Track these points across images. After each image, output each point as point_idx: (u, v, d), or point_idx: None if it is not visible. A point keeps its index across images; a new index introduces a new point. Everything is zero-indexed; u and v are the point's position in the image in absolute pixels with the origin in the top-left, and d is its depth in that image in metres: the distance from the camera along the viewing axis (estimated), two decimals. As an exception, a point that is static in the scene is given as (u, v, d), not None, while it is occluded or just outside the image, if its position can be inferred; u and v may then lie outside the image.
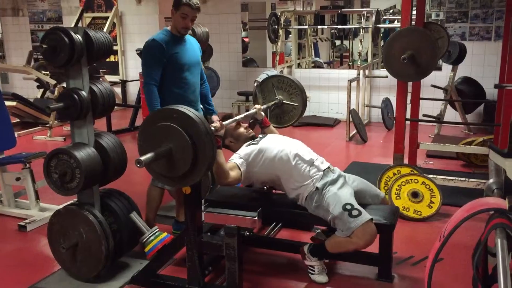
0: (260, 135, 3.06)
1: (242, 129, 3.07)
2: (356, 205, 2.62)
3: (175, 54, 3.19)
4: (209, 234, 2.97)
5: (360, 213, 2.57)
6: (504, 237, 1.43)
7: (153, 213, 3.44)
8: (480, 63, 6.74)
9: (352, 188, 2.83)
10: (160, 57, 3.14)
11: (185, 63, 3.24)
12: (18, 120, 7.35)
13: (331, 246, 2.71)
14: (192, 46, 3.35)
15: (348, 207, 2.59)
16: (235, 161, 2.82)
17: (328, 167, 2.84)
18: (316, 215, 2.74)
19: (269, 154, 2.81)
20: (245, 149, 2.89)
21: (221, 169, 2.67)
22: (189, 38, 3.37)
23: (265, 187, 3.09)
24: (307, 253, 2.82)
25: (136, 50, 6.99)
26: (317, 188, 2.70)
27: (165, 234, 2.96)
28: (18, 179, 3.94)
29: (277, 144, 2.88)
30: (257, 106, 3.30)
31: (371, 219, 2.58)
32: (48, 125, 6.75)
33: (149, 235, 2.90)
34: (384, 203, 3.01)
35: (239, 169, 2.78)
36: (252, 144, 2.93)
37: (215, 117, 3.34)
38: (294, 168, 2.76)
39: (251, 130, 3.11)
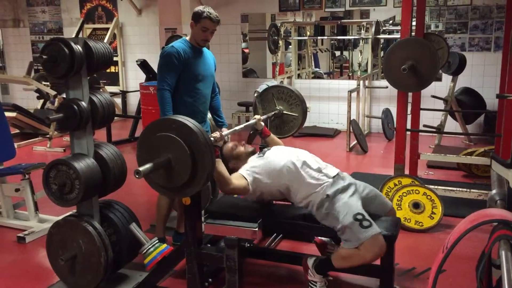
0: (265, 149, 3.02)
1: (240, 148, 3.02)
2: (367, 216, 2.55)
3: (191, 64, 3.20)
4: (209, 245, 2.94)
5: (371, 224, 2.50)
6: (509, 249, 1.41)
7: (162, 222, 3.46)
8: (480, 73, 6.75)
9: (362, 196, 2.77)
10: (176, 64, 3.14)
11: (199, 74, 3.25)
12: (18, 131, 7.35)
13: (336, 260, 2.63)
14: (208, 59, 3.37)
15: (359, 217, 2.52)
16: (240, 172, 2.78)
17: (338, 174, 2.78)
18: (325, 223, 2.66)
19: (276, 165, 2.77)
20: (251, 163, 2.86)
21: (222, 176, 2.65)
22: (206, 51, 3.39)
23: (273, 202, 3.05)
24: (311, 268, 2.73)
25: (137, 61, 7.03)
26: (327, 195, 2.63)
27: (164, 245, 2.94)
28: (17, 190, 3.92)
29: (283, 154, 2.85)
30: (257, 116, 3.30)
31: (380, 232, 2.52)
32: (48, 136, 6.75)
33: (149, 247, 2.87)
34: (391, 214, 2.93)
35: (245, 179, 2.74)
36: (258, 157, 2.89)
37: (224, 130, 3.34)
38: (303, 176, 2.71)
39: (249, 146, 3.08)
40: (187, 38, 3.30)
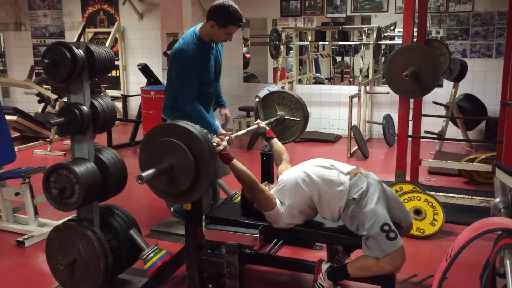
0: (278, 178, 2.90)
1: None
2: (393, 226, 2.43)
3: (201, 68, 3.02)
4: (209, 251, 2.93)
5: (396, 236, 2.40)
6: (513, 258, 1.40)
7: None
8: (482, 80, 6.75)
9: (386, 195, 2.62)
10: (197, 72, 2.99)
11: (210, 79, 3.10)
12: (18, 134, 7.34)
13: (355, 269, 2.53)
14: (217, 53, 3.18)
15: (386, 227, 2.40)
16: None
17: (360, 172, 2.64)
18: (348, 226, 2.55)
19: (291, 181, 2.66)
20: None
21: (246, 176, 2.54)
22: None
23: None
24: (324, 273, 2.64)
25: (138, 65, 7.04)
26: (354, 198, 2.50)
27: (165, 251, 2.92)
28: (17, 194, 3.91)
29: (293, 170, 2.77)
30: (258, 121, 3.28)
31: (402, 245, 2.43)
32: (48, 139, 6.74)
33: (149, 252, 2.86)
34: (409, 228, 2.79)
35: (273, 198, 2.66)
36: (274, 186, 2.79)
37: (224, 111, 3.28)
38: (318, 181, 2.59)
39: (269, 184, 2.92)
40: (198, 31, 3.04)
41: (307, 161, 2.81)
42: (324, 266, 2.65)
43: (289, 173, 2.74)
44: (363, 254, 2.49)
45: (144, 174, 2.13)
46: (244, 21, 2.96)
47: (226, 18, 2.89)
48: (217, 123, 3.33)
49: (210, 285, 2.87)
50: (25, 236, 3.72)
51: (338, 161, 2.76)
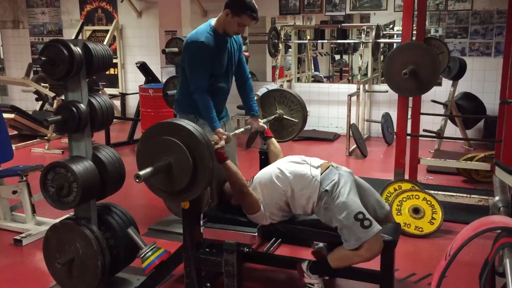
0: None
1: None
2: (367, 215, 2.47)
3: (216, 60, 2.99)
4: (207, 250, 2.91)
5: (371, 224, 2.43)
6: (513, 257, 1.39)
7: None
8: (480, 78, 6.75)
9: (357, 184, 2.67)
10: (209, 61, 2.95)
11: (221, 72, 3.06)
12: (16, 132, 7.32)
13: (334, 260, 2.59)
14: (233, 46, 3.14)
15: (360, 216, 2.44)
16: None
17: (331, 165, 2.69)
18: (321, 218, 2.60)
19: (266, 178, 2.70)
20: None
21: (237, 179, 2.61)
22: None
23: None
24: (306, 271, 2.71)
25: (136, 63, 7.01)
26: (326, 190, 2.54)
27: (162, 249, 2.91)
28: (14, 192, 3.90)
29: (267, 168, 2.82)
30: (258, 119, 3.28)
31: (380, 230, 2.46)
32: (46, 137, 6.72)
33: (147, 251, 2.84)
34: (388, 219, 2.82)
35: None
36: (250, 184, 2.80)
37: (256, 122, 3.24)
38: (290, 177, 2.63)
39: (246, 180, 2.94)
40: (213, 23, 3.01)
41: (281, 159, 2.87)
42: (304, 265, 2.72)
43: (264, 171, 2.80)
44: (342, 246, 2.52)
45: (141, 172, 2.12)
46: (258, 15, 2.93)
47: (241, 6, 2.88)
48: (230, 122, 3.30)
49: (208, 284, 2.86)
50: (23, 235, 3.71)
51: (336, 159, 2.78)
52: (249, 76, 3.40)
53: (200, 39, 2.93)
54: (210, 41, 2.94)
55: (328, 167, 2.67)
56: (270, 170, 2.74)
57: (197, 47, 2.93)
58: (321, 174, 2.62)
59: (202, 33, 2.96)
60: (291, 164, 2.71)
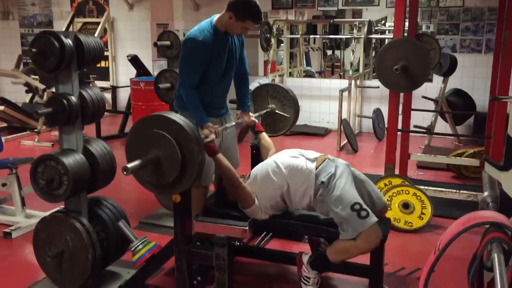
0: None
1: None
2: (364, 205, 2.46)
3: (215, 59, 2.94)
4: (198, 243, 2.92)
5: (368, 214, 2.42)
6: (501, 252, 1.41)
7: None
8: (471, 75, 6.79)
9: (354, 175, 2.66)
10: (204, 61, 2.89)
11: (220, 71, 3.01)
12: (5, 124, 7.26)
13: (333, 254, 2.57)
14: (234, 44, 3.06)
15: (357, 207, 2.43)
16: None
17: (327, 158, 2.69)
18: (318, 210, 2.60)
19: (263, 172, 2.71)
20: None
21: (229, 171, 2.62)
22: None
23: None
24: (306, 265, 2.71)
25: (127, 56, 6.98)
26: (322, 182, 2.53)
27: (153, 243, 2.91)
28: (4, 184, 3.87)
29: (264, 162, 2.83)
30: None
31: (377, 221, 2.46)
32: (36, 130, 6.67)
33: (138, 244, 2.84)
34: (383, 211, 2.79)
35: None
36: (248, 180, 2.81)
37: (247, 116, 3.24)
38: (286, 172, 2.64)
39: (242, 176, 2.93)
40: (215, 21, 2.94)
41: (278, 153, 2.87)
42: (305, 258, 2.72)
43: (261, 165, 2.80)
44: (339, 238, 2.52)
45: (129, 165, 2.12)
46: (262, 19, 2.88)
47: (246, 12, 2.84)
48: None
49: (199, 278, 2.87)
50: (12, 228, 3.68)
51: (327, 154, 2.77)
52: (248, 72, 3.37)
53: (198, 37, 2.88)
54: (209, 39, 2.88)
55: (325, 160, 2.67)
56: (267, 164, 2.75)
57: (193, 45, 2.89)
58: (317, 168, 2.62)
59: (201, 31, 2.92)
60: (288, 158, 2.71)
